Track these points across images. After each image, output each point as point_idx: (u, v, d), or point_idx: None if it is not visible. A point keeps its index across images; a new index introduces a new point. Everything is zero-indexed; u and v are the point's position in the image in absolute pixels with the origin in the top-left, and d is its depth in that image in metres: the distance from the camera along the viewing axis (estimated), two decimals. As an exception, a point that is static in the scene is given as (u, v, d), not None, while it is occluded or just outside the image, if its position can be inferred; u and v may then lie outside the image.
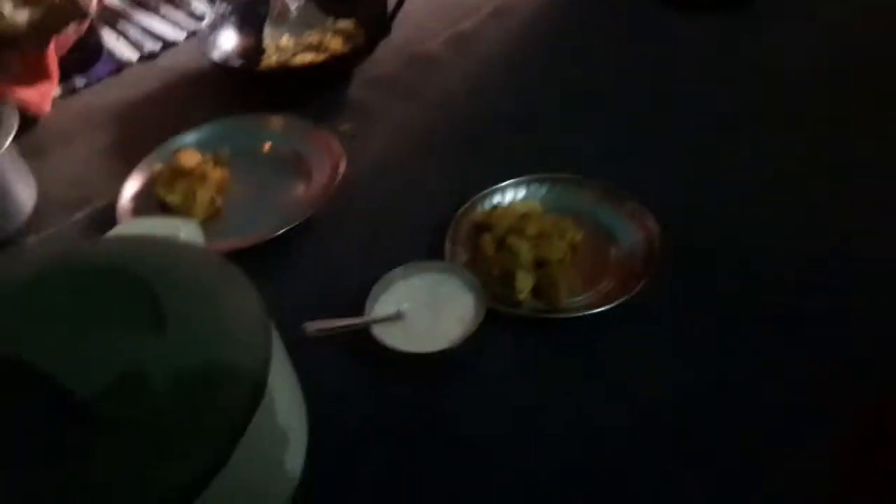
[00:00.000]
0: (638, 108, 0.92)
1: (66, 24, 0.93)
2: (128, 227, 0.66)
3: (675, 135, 0.87)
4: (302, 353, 0.57)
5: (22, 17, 0.85)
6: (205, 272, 0.53)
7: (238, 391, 0.45)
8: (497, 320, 0.65)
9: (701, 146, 0.85)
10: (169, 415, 0.42)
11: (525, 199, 0.77)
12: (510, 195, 0.78)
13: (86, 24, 0.97)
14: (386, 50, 1.03)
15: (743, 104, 0.91)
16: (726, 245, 0.73)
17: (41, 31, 0.90)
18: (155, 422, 0.42)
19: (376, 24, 1.02)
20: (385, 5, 1.02)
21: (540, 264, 0.68)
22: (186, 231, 0.61)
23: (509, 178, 0.78)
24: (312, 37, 1.04)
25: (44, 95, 0.94)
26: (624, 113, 0.91)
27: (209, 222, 0.79)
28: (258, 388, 0.45)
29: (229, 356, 0.46)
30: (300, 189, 0.82)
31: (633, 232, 0.73)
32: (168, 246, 0.57)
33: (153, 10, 1.22)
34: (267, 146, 0.88)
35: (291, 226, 0.75)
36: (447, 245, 0.72)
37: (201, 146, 0.85)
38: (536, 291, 0.68)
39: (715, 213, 0.76)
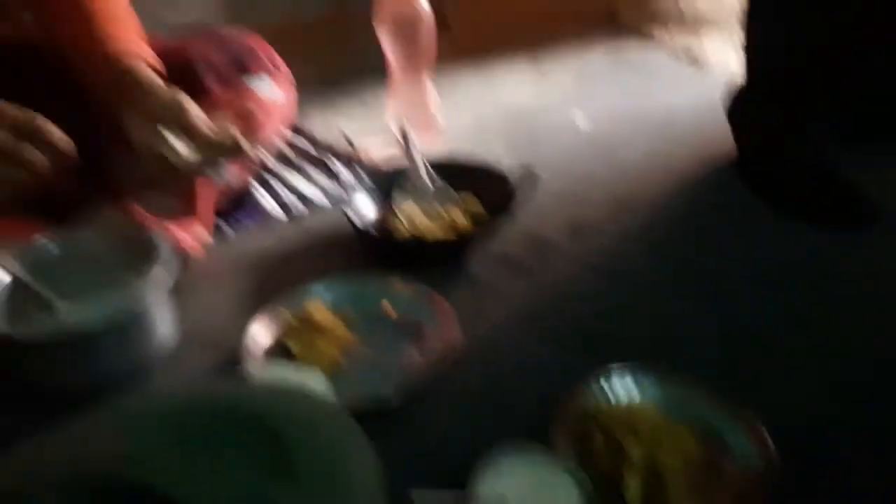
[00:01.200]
0: (759, 315, 0.92)
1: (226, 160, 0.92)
2: (261, 371, 0.71)
3: (794, 345, 0.86)
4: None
5: (194, 154, 0.84)
6: (331, 427, 0.56)
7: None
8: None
9: (825, 360, 0.83)
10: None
11: (639, 397, 0.76)
12: (621, 387, 0.77)
13: (248, 178, 1.07)
14: (506, 229, 1.09)
15: (859, 329, 0.89)
16: (848, 472, 0.69)
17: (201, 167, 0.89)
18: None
19: (501, 207, 1.09)
20: (512, 191, 1.10)
21: (652, 470, 0.67)
22: (315, 383, 0.65)
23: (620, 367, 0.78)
24: (441, 210, 1.12)
25: (197, 238, 1.04)
26: (742, 319, 0.91)
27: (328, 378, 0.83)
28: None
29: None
30: (415, 355, 0.86)
31: (748, 446, 0.70)
32: (300, 397, 0.60)
33: (297, 169, 1.34)
34: (389, 309, 0.93)
35: (406, 393, 0.77)
36: (554, 432, 0.72)
37: (327, 301, 0.92)
38: (647, 500, 0.66)
39: (836, 436, 0.73)
